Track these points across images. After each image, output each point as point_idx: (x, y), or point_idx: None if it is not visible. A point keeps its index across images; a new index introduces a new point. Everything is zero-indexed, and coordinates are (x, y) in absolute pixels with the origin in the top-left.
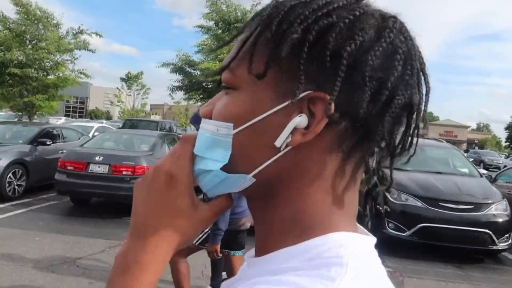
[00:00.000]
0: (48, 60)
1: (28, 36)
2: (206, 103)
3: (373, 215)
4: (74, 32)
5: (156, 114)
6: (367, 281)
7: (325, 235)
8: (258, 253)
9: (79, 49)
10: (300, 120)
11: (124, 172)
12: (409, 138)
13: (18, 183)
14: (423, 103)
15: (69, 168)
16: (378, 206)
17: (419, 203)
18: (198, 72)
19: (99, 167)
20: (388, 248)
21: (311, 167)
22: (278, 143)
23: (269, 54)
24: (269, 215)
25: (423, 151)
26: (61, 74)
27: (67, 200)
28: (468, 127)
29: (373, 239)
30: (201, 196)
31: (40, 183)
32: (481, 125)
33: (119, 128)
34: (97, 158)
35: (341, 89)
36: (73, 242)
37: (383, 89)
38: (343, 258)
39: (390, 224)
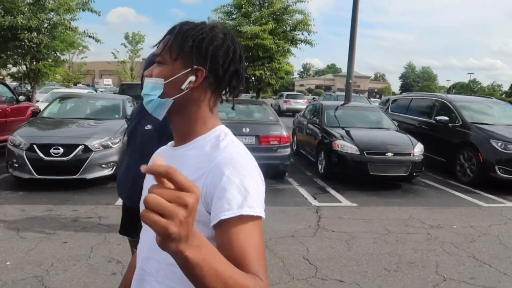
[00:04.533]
0: (56, 22)
1: None
2: (149, 69)
3: (479, 163)
4: None
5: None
6: (235, 141)
7: (217, 126)
8: (180, 143)
9: (83, 10)
10: (192, 77)
11: (271, 142)
12: (236, 87)
13: None
14: (242, 72)
15: None
16: (481, 155)
17: None
18: None
19: (245, 138)
20: (497, 189)
21: (198, 97)
22: (183, 87)
23: (178, 50)
24: (183, 121)
25: (491, 109)
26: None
27: None
28: (369, 77)
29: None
30: None
31: None
32: (378, 75)
33: (114, 93)
34: (243, 129)
35: (208, 65)
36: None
37: (224, 65)
38: (227, 133)
39: (501, 170)
